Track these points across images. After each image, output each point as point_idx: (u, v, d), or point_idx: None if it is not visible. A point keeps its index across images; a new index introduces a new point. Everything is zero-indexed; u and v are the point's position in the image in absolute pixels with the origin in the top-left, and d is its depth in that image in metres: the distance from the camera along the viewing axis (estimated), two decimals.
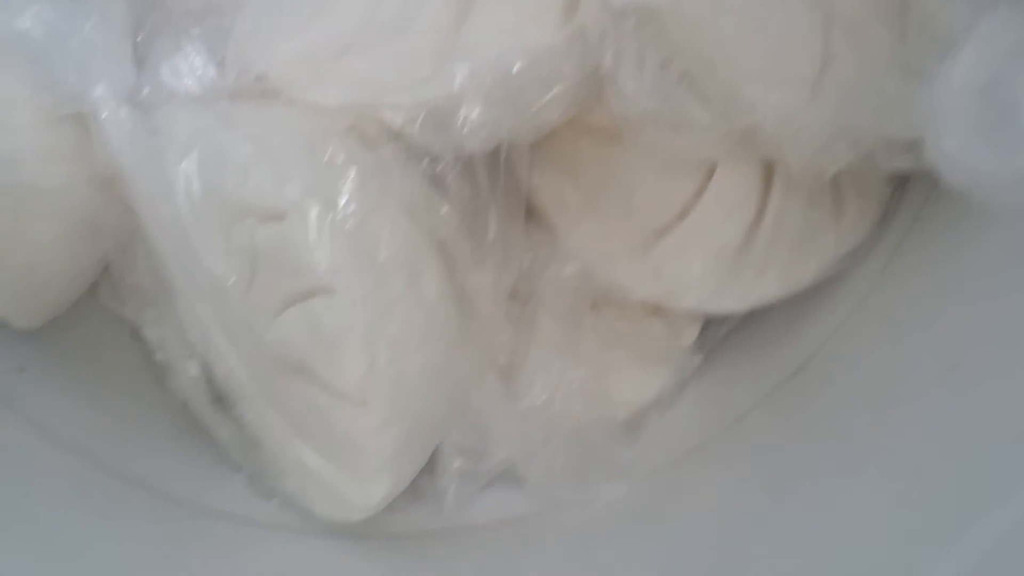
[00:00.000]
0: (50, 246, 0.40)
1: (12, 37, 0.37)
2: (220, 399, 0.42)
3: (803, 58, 0.34)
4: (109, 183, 0.40)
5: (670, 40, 0.34)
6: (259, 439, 0.40)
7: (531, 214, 0.42)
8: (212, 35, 0.42)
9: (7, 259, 0.40)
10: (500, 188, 0.37)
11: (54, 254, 0.40)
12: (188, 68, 0.41)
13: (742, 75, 0.34)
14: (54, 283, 0.41)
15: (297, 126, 0.37)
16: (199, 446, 0.44)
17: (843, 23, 0.34)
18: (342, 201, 0.34)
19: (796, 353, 0.45)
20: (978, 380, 0.33)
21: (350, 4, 0.39)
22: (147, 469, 0.44)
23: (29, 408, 0.41)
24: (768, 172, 0.40)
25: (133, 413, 0.45)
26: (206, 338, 0.39)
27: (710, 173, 0.41)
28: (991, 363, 0.33)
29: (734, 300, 0.42)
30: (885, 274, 0.43)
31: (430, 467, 0.42)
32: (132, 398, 0.46)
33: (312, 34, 0.39)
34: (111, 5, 0.40)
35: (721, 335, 0.46)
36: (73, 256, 0.42)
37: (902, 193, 0.42)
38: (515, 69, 0.36)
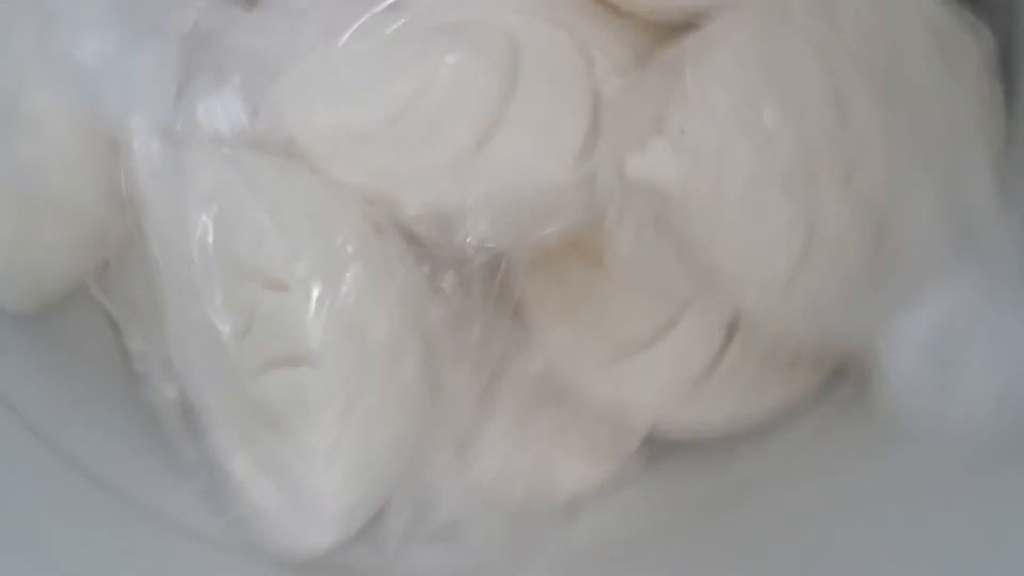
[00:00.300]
0: (59, 248, 0.43)
1: (68, 60, 0.38)
2: (190, 418, 0.44)
3: (782, 257, 0.37)
4: (127, 203, 0.42)
5: (670, 215, 0.37)
6: (222, 465, 0.42)
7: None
8: (252, 85, 0.44)
9: (16, 256, 0.42)
10: (492, 298, 0.39)
11: (62, 257, 0.43)
12: (223, 111, 0.43)
13: (727, 261, 0.37)
14: (56, 281, 0.44)
15: (315, 201, 0.40)
16: (160, 451, 0.47)
17: (825, 232, 0.37)
18: (343, 289, 0.37)
19: (734, 476, 0.49)
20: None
21: (388, 96, 0.41)
22: (103, 461, 0.46)
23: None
24: (735, 322, 0.44)
25: (102, 405, 0.48)
26: (188, 368, 0.41)
27: (684, 308, 0.44)
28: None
29: (680, 428, 0.45)
30: (829, 423, 0.47)
31: (380, 512, 0.45)
32: (104, 391, 0.48)
33: (345, 113, 0.41)
34: (164, 41, 0.41)
35: (668, 443, 0.50)
36: (79, 259, 0.44)
37: None
38: (525, 199, 0.38)
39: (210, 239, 0.39)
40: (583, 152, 0.41)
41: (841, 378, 0.46)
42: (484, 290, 0.40)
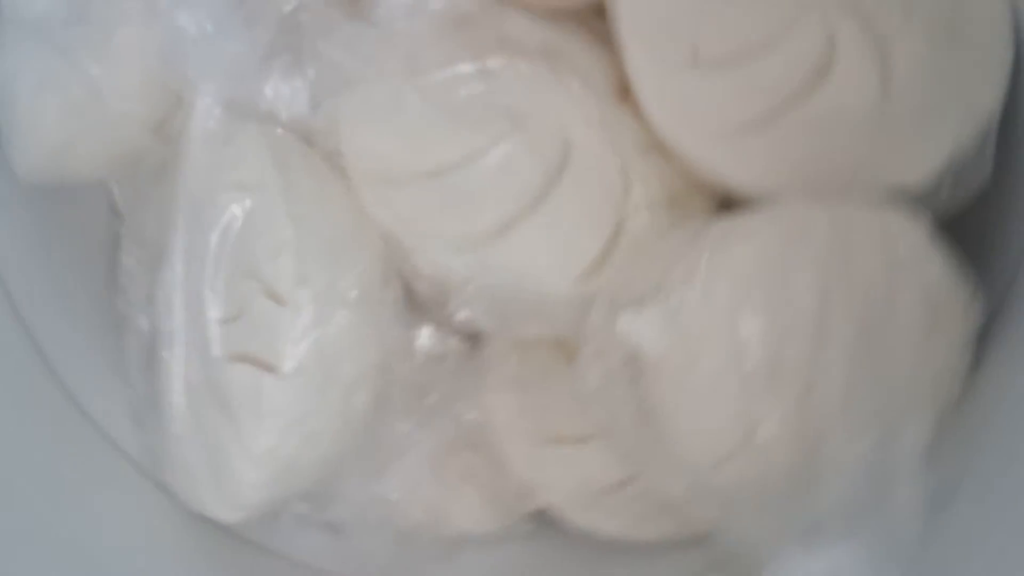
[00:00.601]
0: (94, 161, 0.46)
1: (169, 18, 0.40)
2: (150, 351, 0.47)
3: (719, 446, 0.41)
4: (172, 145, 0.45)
5: (641, 374, 0.41)
6: (167, 410, 0.46)
7: None
8: (323, 83, 0.46)
9: (54, 153, 0.44)
10: (462, 375, 0.43)
11: (93, 167, 0.46)
12: (289, 96, 0.45)
13: (672, 431, 0.42)
14: (78, 178, 0.47)
15: (340, 227, 0.43)
16: (114, 361, 0.51)
17: (763, 436, 0.41)
18: (332, 329, 0.41)
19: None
20: None
21: (439, 154, 0.44)
22: (61, 352, 0.50)
23: None
24: None
25: (78, 299, 0.51)
26: (167, 317, 0.44)
27: None
28: None
29: (573, 524, 0.50)
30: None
31: None
32: (84, 286, 0.51)
33: (396, 149, 0.44)
34: (262, 29, 0.43)
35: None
36: (108, 171, 0.47)
37: None
38: (523, 299, 0.42)
39: (234, 228, 0.41)
40: (589, 272, 0.44)
41: None
42: (456, 366, 0.43)
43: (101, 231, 0.53)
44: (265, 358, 0.41)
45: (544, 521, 0.56)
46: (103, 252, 0.54)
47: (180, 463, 0.44)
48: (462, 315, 0.43)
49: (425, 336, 0.43)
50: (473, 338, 0.47)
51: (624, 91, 0.47)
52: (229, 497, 0.43)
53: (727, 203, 0.46)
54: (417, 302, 0.44)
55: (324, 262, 0.41)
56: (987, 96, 0.44)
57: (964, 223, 0.45)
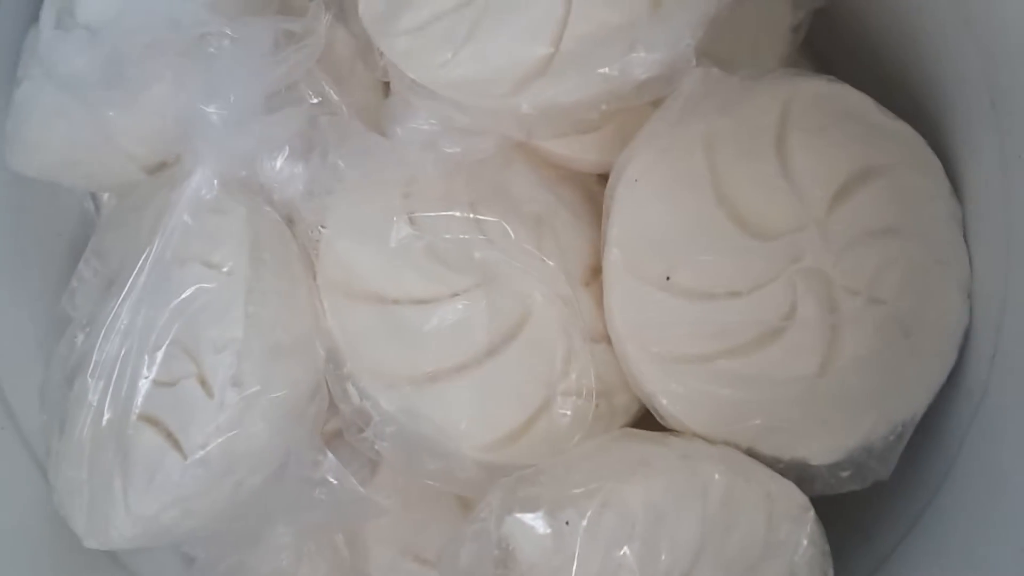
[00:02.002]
0: (86, 177, 0.48)
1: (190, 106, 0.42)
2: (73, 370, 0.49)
3: None
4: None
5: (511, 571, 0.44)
6: (67, 434, 0.48)
7: None
8: (322, 178, 0.48)
9: (52, 165, 0.46)
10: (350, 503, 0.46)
11: (86, 182, 0.48)
12: (286, 178, 0.47)
13: None
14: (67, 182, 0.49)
15: (290, 332, 0.46)
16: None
17: None
18: (245, 436, 0.44)
19: None
20: None
21: (412, 282, 0.48)
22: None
23: None
24: None
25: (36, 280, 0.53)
26: (102, 346, 0.46)
27: None
28: None
29: None
30: None
31: None
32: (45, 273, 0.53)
33: (368, 264, 0.47)
34: (283, 114, 0.45)
35: None
36: (96, 187, 0.49)
37: None
38: (432, 450, 0.45)
39: (192, 306, 0.43)
40: (502, 444, 0.47)
41: None
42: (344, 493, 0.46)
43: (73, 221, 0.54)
44: (177, 436, 0.43)
45: None
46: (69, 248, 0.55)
47: (65, 482, 0.46)
48: (374, 447, 0.45)
49: (328, 463, 0.45)
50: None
51: (594, 274, 0.49)
52: (97, 534, 0.45)
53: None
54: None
55: (262, 369, 0.43)
56: (914, 402, 0.47)
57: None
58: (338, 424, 0.48)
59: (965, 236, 0.47)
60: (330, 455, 0.44)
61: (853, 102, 0.48)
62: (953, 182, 0.47)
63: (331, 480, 0.43)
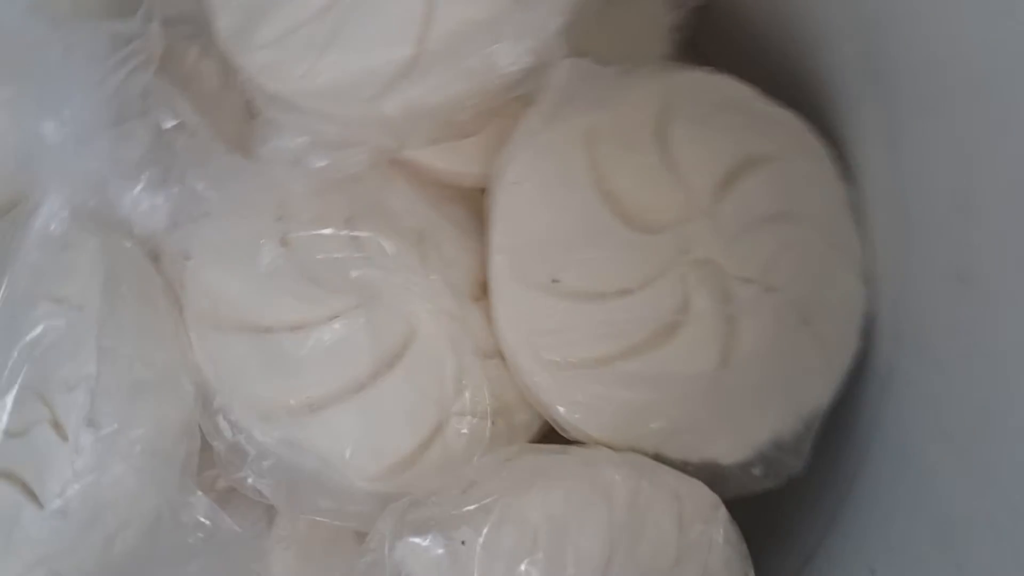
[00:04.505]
0: None
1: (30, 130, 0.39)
2: None
3: None
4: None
5: None
6: None
7: None
8: (185, 206, 0.45)
9: None
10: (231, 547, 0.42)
11: None
12: (147, 211, 0.44)
13: None
14: None
15: (151, 368, 0.42)
16: None
17: None
18: (108, 480, 0.40)
19: None
20: None
21: (285, 307, 0.45)
22: None
23: None
24: None
25: None
26: None
27: None
28: None
29: None
30: None
31: None
32: None
33: (237, 293, 0.43)
34: (135, 137, 0.42)
35: None
36: None
37: None
38: (317, 483, 0.41)
39: (42, 344, 0.40)
40: (395, 470, 0.44)
41: None
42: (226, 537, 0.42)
43: None
44: (32, 487, 0.39)
45: None
46: None
47: None
48: (252, 485, 0.41)
49: (198, 503, 0.41)
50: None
51: (484, 289, 0.47)
52: None
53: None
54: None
55: (118, 407, 0.40)
56: (819, 391, 0.45)
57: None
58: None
59: (859, 219, 0.45)
60: (200, 494, 0.40)
61: (734, 91, 0.47)
62: (844, 165, 0.46)
63: (203, 521, 0.39)
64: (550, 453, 0.43)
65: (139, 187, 0.44)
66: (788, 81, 0.50)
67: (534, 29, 0.40)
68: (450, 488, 0.42)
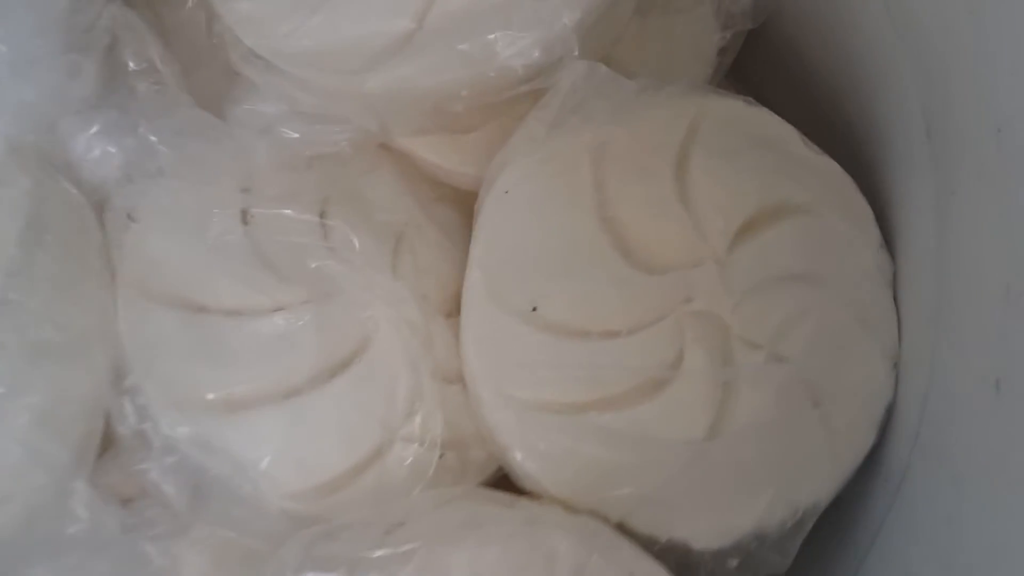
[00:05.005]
0: None
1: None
2: None
3: None
4: None
5: None
6: None
7: None
8: (140, 160, 0.40)
9: None
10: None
11: None
12: (97, 158, 0.39)
13: None
14: None
15: (61, 331, 0.38)
16: None
17: None
18: None
19: None
20: None
21: (231, 288, 0.40)
22: None
23: None
24: None
25: None
26: None
27: None
28: None
29: None
30: None
31: None
32: None
33: (179, 264, 0.39)
34: (85, 73, 0.37)
35: None
36: None
37: None
38: (227, 492, 0.36)
39: None
40: (321, 492, 0.39)
41: None
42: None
43: None
44: None
45: None
46: None
47: None
48: (153, 481, 0.35)
49: (80, 494, 0.36)
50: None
51: (457, 305, 0.41)
52: None
53: None
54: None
55: (15, 370, 0.35)
56: (820, 485, 0.39)
57: None
58: None
59: (895, 296, 0.38)
60: (82, 484, 0.34)
61: (771, 127, 0.41)
62: (884, 233, 0.39)
63: (81, 514, 0.33)
64: (495, 503, 0.37)
65: (94, 129, 0.38)
66: (834, 125, 0.43)
67: (545, 20, 0.35)
68: (374, 524, 0.35)
